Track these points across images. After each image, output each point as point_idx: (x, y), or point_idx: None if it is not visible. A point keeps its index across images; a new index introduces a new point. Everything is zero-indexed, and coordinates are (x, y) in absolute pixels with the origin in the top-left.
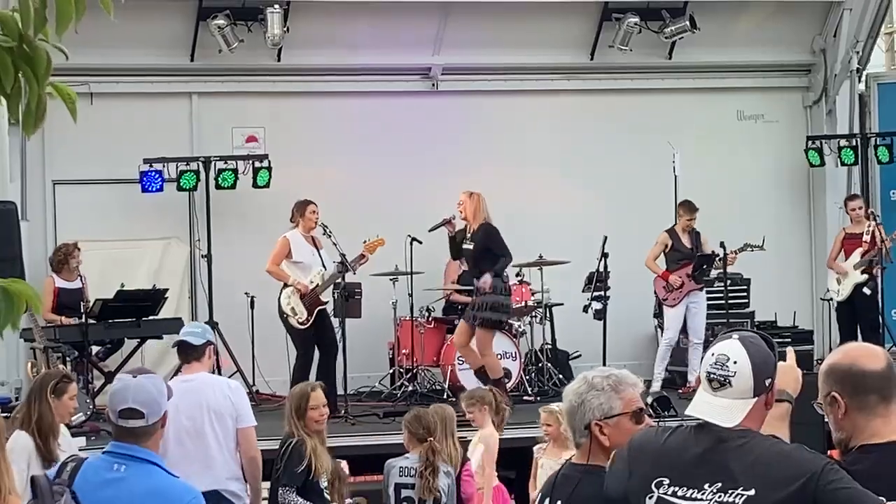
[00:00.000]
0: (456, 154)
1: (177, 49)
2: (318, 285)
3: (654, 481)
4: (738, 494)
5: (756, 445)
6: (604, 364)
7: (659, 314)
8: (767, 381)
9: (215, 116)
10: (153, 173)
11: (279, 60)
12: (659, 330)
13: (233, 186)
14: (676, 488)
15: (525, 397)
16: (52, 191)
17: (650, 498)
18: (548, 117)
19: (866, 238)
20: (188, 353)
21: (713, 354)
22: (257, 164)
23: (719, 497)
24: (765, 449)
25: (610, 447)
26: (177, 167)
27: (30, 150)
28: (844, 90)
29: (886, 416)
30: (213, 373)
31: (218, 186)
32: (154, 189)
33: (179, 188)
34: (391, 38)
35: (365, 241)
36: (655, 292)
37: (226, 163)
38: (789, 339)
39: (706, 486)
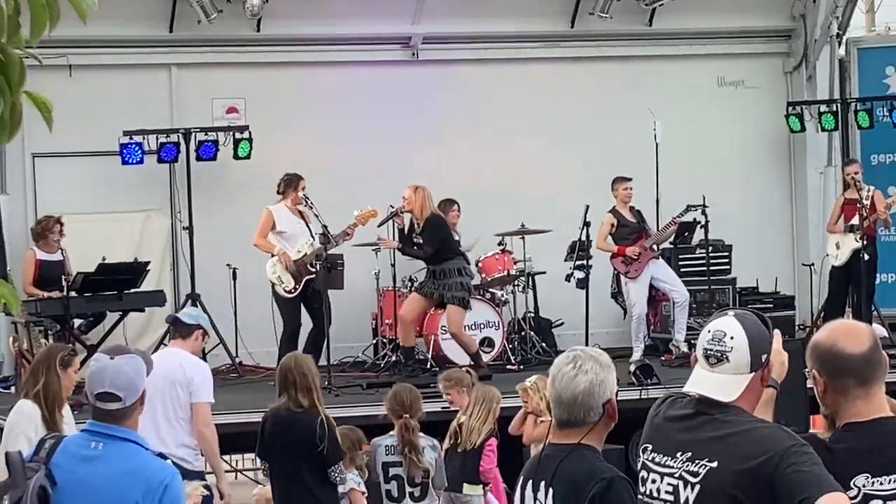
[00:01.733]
0: (437, 123)
1: (155, 20)
2: (305, 254)
3: (643, 446)
4: (702, 465)
5: (734, 423)
6: (586, 332)
7: (618, 293)
8: (763, 357)
9: (195, 88)
10: (133, 145)
11: (258, 31)
12: (622, 308)
13: (213, 158)
14: (655, 455)
15: (509, 366)
16: (31, 164)
17: (639, 461)
18: (528, 86)
19: (866, 203)
20: (176, 328)
21: (709, 331)
22: (238, 136)
23: (686, 466)
24: (740, 426)
25: (612, 422)
26: (157, 139)
27: None
28: (824, 55)
29: (866, 397)
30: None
31: (198, 158)
32: (134, 161)
33: (160, 160)
34: (371, 8)
35: (356, 213)
36: (615, 271)
37: (206, 134)
38: (771, 305)
39: (678, 455)
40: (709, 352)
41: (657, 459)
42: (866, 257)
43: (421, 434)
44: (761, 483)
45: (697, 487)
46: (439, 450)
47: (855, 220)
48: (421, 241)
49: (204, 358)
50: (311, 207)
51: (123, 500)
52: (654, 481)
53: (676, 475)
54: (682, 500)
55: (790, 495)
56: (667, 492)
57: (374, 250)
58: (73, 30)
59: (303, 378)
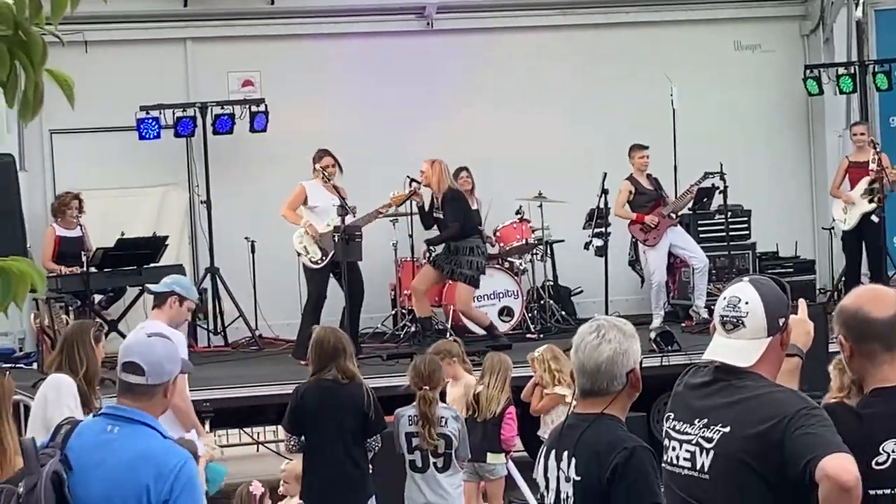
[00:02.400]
0: (452, 92)
1: None
2: (334, 227)
3: (666, 415)
4: (717, 431)
5: (749, 388)
6: (606, 300)
7: (635, 261)
8: (781, 321)
9: (210, 61)
10: (150, 120)
11: (273, 3)
12: (640, 276)
13: (230, 131)
14: (676, 423)
15: (528, 335)
16: (49, 140)
17: (663, 430)
18: (544, 53)
19: (873, 166)
20: (154, 300)
21: (725, 298)
22: (254, 109)
23: (703, 433)
24: (753, 391)
25: (635, 391)
26: (173, 113)
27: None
28: (842, 18)
29: (892, 362)
30: (188, 323)
31: (215, 132)
32: (151, 136)
33: (176, 135)
34: None
35: (392, 194)
36: (633, 238)
37: (222, 108)
38: (791, 269)
39: (696, 422)
40: (725, 318)
41: (678, 427)
42: (876, 220)
43: (443, 405)
44: (771, 447)
45: (711, 453)
46: (462, 420)
47: (862, 183)
48: (441, 216)
49: (193, 323)
50: (329, 180)
51: (135, 483)
52: (674, 449)
53: (693, 441)
54: (698, 467)
55: (797, 456)
56: (685, 458)
57: (391, 221)
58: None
59: (349, 346)
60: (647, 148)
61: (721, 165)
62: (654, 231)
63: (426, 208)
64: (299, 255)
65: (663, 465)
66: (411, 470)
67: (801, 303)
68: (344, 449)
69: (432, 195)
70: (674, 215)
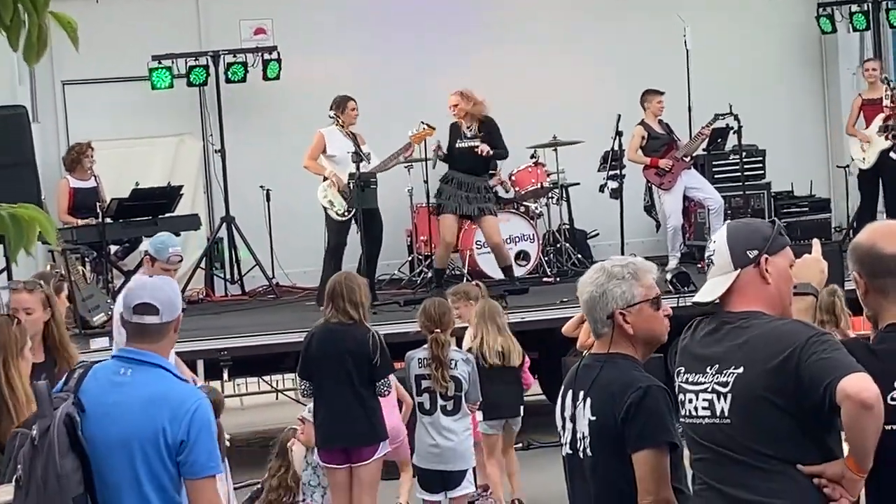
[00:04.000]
0: (467, 37)
1: None
2: (349, 175)
3: (677, 370)
4: (730, 373)
5: (753, 326)
6: (622, 242)
7: (651, 206)
8: (751, 253)
9: (222, 10)
10: (162, 70)
11: None
12: (656, 222)
13: (243, 80)
14: (689, 375)
15: (545, 279)
16: (61, 91)
17: (676, 389)
18: None
19: (887, 103)
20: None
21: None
22: (266, 57)
23: (717, 378)
24: (759, 328)
25: (634, 335)
26: (186, 63)
27: None
28: None
29: None
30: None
31: (228, 80)
32: (164, 86)
33: (189, 84)
34: None
35: (411, 133)
36: (648, 183)
37: (235, 56)
38: (806, 208)
39: (707, 370)
40: (705, 262)
41: (690, 379)
42: (894, 156)
43: (454, 348)
44: (788, 378)
45: (729, 396)
46: (473, 363)
47: (878, 120)
48: (474, 144)
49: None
50: (344, 126)
51: (151, 425)
52: (690, 401)
53: (709, 389)
54: (717, 413)
55: (815, 383)
56: (703, 408)
57: (406, 167)
58: None
59: (351, 292)
60: (662, 93)
61: (731, 107)
62: (668, 174)
63: (448, 150)
64: (325, 208)
65: (682, 419)
66: (420, 412)
67: (815, 242)
68: (351, 392)
69: (450, 138)
70: (687, 158)
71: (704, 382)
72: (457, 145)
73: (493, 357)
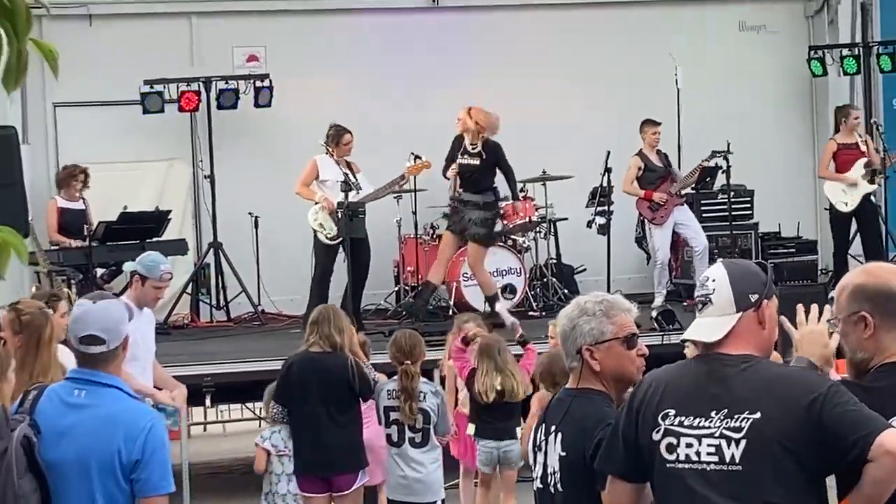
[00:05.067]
0: (458, 70)
1: None
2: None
3: (661, 414)
4: (744, 419)
5: (760, 369)
6: (608, 278)
7: (642, 237)
8: (752, 297)
9: (215, 36)
10: (154, 94)
11: None
12: (646, 254)
13: (234, 106)
14: (683, 418)
15: (530, 312)
16: (52, 113)
17: (657, 432)
18: (549, 31)
19: (863, 148)
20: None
21: (699, 280)
22: (258, 84)
23: (726, 423)
24: (769, 372)
25: (601, 372)
26: (178, 88)
27: (29, 73)
28: None
29: None
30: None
31: (219, 106)
32: (155, 110)
33: (181, 109)
34: None
35: (408, 165)
36: (640, 215)
37: (227, 83)
38: (793, 250)
39: (713, 414)
40: (698, 298)
41: (687, 422)
42: (874, 200)
43: (423, 380)
44: (809, 426)
45: (743, 442)
46: (443, 395)
47: (858, 165)
48: (474, 162)
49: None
50: (332, 155)
51: (106, 445)
52: (689, 445)
53: (716, 434)
54: (727, 459)
55: (841, 434)
56: (708, 453)
57: (395, 197)
58: None
59: (337, 318)
60: (659, 124)
61: (728, 145)
62: (661, 209)
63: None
64: (315, 232)
65: (670, 465)
66: (388, 444)
67: (826, 310)
68: (331, 420)
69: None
70: (679, 193)
71: (710, 427)
72: (458, 160)
73: (490, 394)
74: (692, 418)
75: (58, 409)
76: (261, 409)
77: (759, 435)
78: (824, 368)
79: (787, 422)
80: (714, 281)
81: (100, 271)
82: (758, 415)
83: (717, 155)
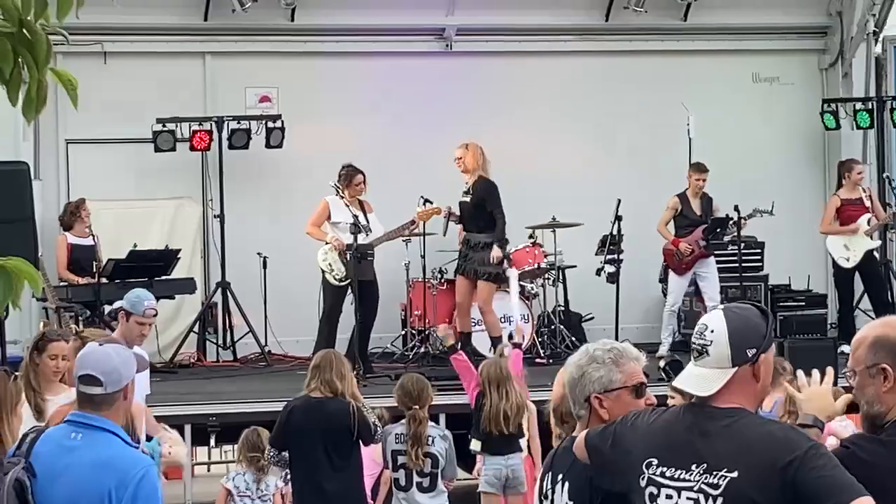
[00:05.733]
0: (469, 115)
1: (190, 8)
2: (346, 245)
3: (645, 462)
4: (721, 476)
5: (744, 426)
6: (616, 327)
7: (664, 279)
8: (750, 352)
9: (228, 76)
10: (166, 133)
11: (293, 20)
12: (663, 295)
13: (246, 146)
14: (665, 468)
15: (538, 360)
16: (65, 150)
17: (642, 479)
18: (562, 79)
19: (867, 203)
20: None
21: (697, 325)
22: (270, 124)
23: (705, 478)
24: (752, 429)
25: (609, 420)
26: (189, 127)
27: (43, 109)
28: (861, 53)
29: None
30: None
31: (231, 146)
32: (167, 149)
33: (192, 148)
34: None
35: (419, 209)
36: (665, 258)
37: (239, 123)
38: (803, 303)
39: (693, 467)
40: (693, 345)
41: (669, 473)
42: (877, 256)
43: (431, 424)
44: (785, 487)
45: (720, 500)
46: (450, 439)
47: (863, 220)
48: (466, 199)
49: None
50: (343, 197)
51: (97, 491)
52: (669, 497)
53: (695, 489)
54: None
55: (816, 500)
56: None
57: (404, 241)
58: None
59: (340, 364)
60: (706, 171)
61: (773, 205)
62: (685, 259)
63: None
64: (323, 272)
65: None
66: (395, 488)
67: (829, 371)
68: (331, 465)
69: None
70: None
71: (689, 480)
72: (460, 200)
73: (499, 425)
74: (673, 469)
75: (54, 451)
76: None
77: (735, 494)
78: (827, 418)
79: (764, 483)
80: (713, 332)
81: (107, 308)
82: (735, 473)
83: (759, 213)
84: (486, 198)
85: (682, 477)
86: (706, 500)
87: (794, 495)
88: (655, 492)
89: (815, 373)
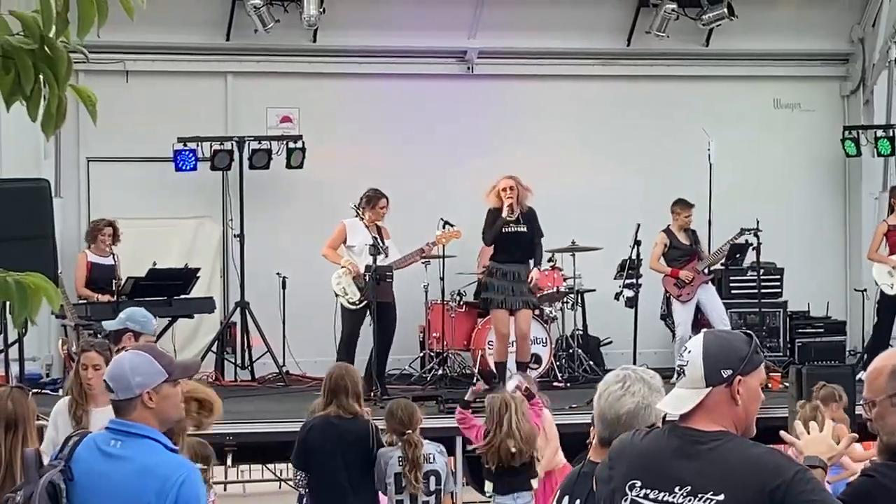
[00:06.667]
0: (490, 138)
1: (212, 28)
2: (365, 267)
3: (629, 483)
4: (707, 499)
5: (729, 449)
6: (634, 352)
7: (667, 314)
8: (725, 373)
9: (250, 96)
10: (187, 152)
11: (315, 41)
12: (671, 330)
13: (266, 166)
14: (648, 490)
15: (555, 383)
16: (86, 168)
17: (625, 500)
18: (583, 103)
19: None
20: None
21: (682, 348)
22: (291, 145)
23: (689, 501)
24: (737, 453)
25: None
26: (210, 146)
27: (64, 127)
28: (882, 80)
29: None
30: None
31: (251, 166)
32: (188, 168)
33: (213, 167)
34: (427, 21)
35: (439, 232)
36: (666, 292)
37: (260, 143)
38: (822, 330)
39: (676, 490)
40: (676, 368)
41: (652, 496)
42: None
43: (426, 441)
44: None
45: None
46: (445, 453)
47: None
48: (522, 229)
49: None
50: (363, 219)
51: (137, 497)
52: None
53: None
54: None
55: None
56: None
57: (423, 263)
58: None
59: (354, 385)
60: (692, 206)
61: (757, 222)
62: (687, 286)
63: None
64: (337, 296)
65: None
66: None
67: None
68: (349, 485)
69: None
70: (707, 271)
71: (672, 502)
72: (503, 230)
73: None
74: (657, 492)
75: (94, 456)
76: (282, 471)
77: None
78: (828, 460)
79: None
80: (689, 353)
81: (101, 333)
82: (721, 496)
83: (746, 232)
84: (537, 226)
85: (665, 499)
86: None
87: None
88: None
89: (813, 424)
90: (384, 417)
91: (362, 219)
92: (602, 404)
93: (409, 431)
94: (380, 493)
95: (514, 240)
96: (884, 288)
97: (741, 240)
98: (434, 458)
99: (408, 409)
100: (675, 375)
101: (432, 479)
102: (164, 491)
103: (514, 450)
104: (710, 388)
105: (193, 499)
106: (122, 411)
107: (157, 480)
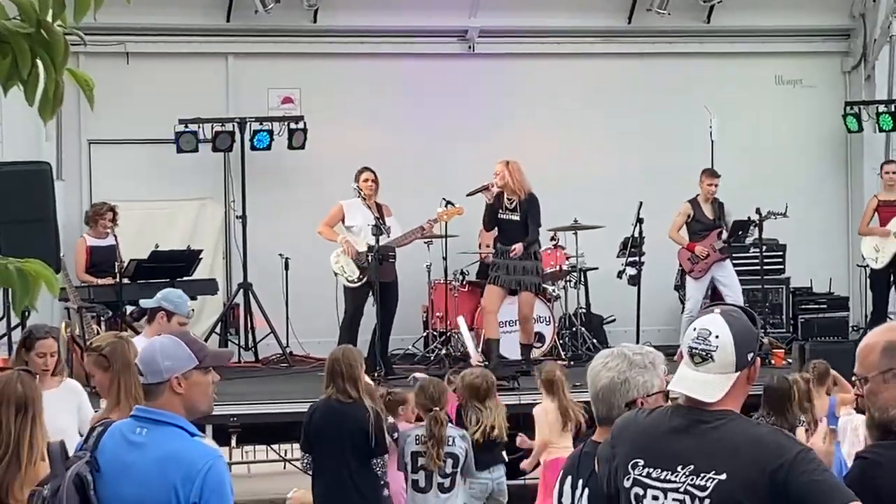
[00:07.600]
0: (492, 117)
1: (213, 9)
2: (368, 247)
3: (631, 462)
4: (709, 478)
5: (731, 429)
6: (637, 329)
7: (681, 286)
8: (749, 356)
9: (251, 77)
10: (188, 134)
11: (315, 21)
12: (682, 304)
13: (268, 147)
14: (651, 469)
15: (559, 361)
16: (87, 150)
17: (627, 479)
18: (584, 81)
19: None
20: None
21: (695, 329)
22: (293, 126)
23: (691, 480)
24: (739, 432)
25: None
26: (212, 128)
27: (65, 109)
28: (884, 55)
29: None
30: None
31: (253, 147)
32: (189, 149)
33: (214, 149)
34: (428, 0)
35: (440, 209)
36: (680, 264)
37: (261, 124)
38: (825, 305)
39: (679, 469)
40: (694, 350)
41: (655, 474)
42: None
43: (450, 424)
44: (774, 491)
45: (707, 501)
46: (468, 439)
47: (893, 223)
48: (513, 217)
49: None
50: (365, 199)
51: (163, 485)
52: (655, 498)
53: (681, 489)
54: None
55: (804, 502)
56: None
57: (426, 243)
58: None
59: (350, 369)
60: (718, 176)
61: (786, 207)
62: (701, 262)
63: (493, 206)
64: (336, 274)
65: None
66: (413, 489)
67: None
68: (348, 469)
69: (500, 195)
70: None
71: (675, 482)
72: (499, 216)
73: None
74: (659, 471)
75: (119, 446)
76: (286, 451)
77: (723, 496)
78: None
79: (753, 486)
80: (718, 338)
81: (129, 308)
82: (724, 476)
83: (773, 216)
84: (533, 214)
85: (668, 478)
86: (692, 502)
87: (785, 499)
88: (641, 492)
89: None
90: (414, 392)
91: (364, 199)
92: (588, 381)
93: (436, 409)
94: (399, 472)
95: (506, 226)
96: (870, 262)
97: (767, 216)
98: (454, 441)
99: (439, 387)
100: (688, 357)
101: (449, 461)
102: (189, 477)
103: (489, 428)
104: (739, 372)
105: (219, 485)
106: (151, 395)
107: (183, 466)
